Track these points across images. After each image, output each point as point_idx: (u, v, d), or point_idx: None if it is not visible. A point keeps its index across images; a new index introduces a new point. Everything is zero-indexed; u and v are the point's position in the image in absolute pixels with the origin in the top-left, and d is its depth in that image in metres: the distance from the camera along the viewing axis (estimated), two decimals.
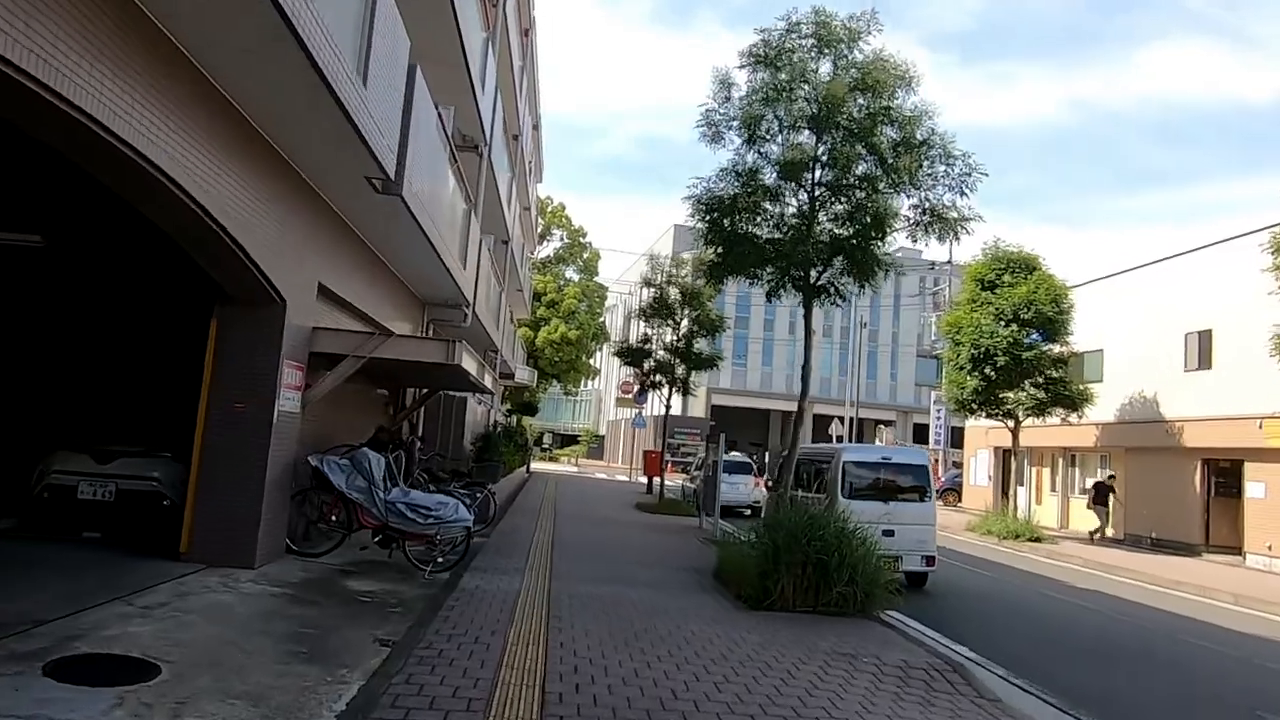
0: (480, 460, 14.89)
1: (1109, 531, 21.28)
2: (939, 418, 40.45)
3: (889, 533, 10.34)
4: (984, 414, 22.77)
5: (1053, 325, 20.62)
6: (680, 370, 20.51)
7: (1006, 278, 21.35)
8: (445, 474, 11.52)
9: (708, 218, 10.17)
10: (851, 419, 40.29)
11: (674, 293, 20.68)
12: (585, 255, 52.73)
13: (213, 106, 6.07)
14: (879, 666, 6.46)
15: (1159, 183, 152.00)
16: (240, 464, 7.54)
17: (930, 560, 11.25)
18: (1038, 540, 19.96)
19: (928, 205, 9.82)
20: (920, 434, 54.26)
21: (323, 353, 8.65)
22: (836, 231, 9.99)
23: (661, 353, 21.05)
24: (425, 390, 13.89)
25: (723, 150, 10.89)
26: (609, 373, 67.79)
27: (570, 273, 52.14)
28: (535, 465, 41.47)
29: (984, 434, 29.47)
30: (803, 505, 9.99)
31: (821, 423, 54.83)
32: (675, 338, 20.62)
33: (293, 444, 8.29)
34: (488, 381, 12.56)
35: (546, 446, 66.35)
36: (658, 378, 20.76)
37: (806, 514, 8.92)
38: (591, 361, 52.35)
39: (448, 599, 7.46)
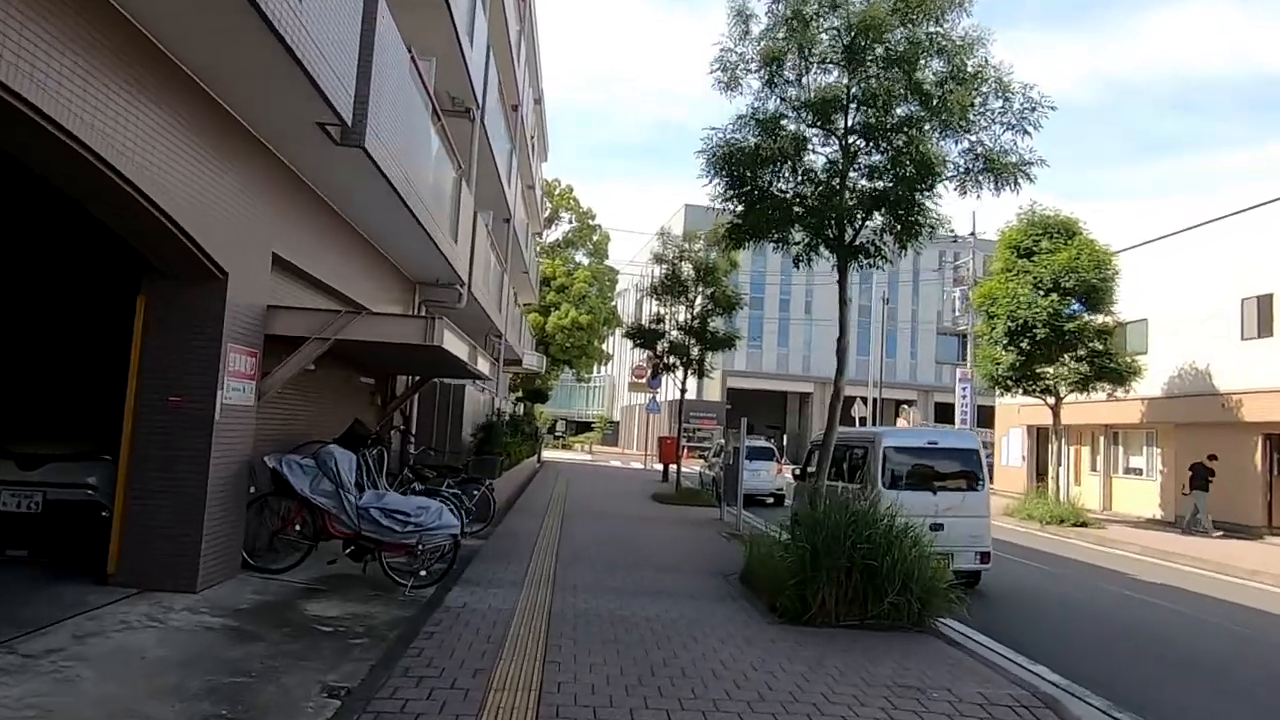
0: (481, 453, 13.70)
1: (1202, 520, 18.36)
2: (965, 396, 38.96)
3: (937, 527, 9.04)
4: (1020, 391, 21.31)
5: (1096, 293, 19.11)
6: (695, 351, 19.18)
7: (1045, 243, 19.82)
8: (433, 471, 10.29)
9: (725, 171, 8.82)
10: (875, 400, 38.79)
11: (687, 269, 19.34)
12: (595, 238, 51.49)
13: (120, 37, 4.81)
14: (954, 705, 5.19)
15: (1172, 151, 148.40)
16: (177, 468, 6.34)
17: (985, 557, 9.95)
18: (1084, 525, 18.59)
19: (981, 150, 8.42)
20: (943, 413, 52.72)
21: (281, 335, 7.43)
22: (873, 185, 8.60)
23: (675, 333, 19.73)
24: (417, 378, 12.67)
25: (740, 98, 9.50)
26: (622, 357, 66.58)
27: (580, 256, 50.94)
28: (547, 454, 40.38)
29: (1015, 412, 28.04)
30: (839, 498, 8.74)
31: (845, 404, 53.33)
32: (689, 316, 19.29)
33: (246, 442, 7.08)
34: (483, 366, 11.34)
35: (560, 434, 65.28)
36: (671, 359, 19.44)
37: (848, 510, 7.65)
38: (604, 346, 51.15)
39: (426, 623, 6.26)
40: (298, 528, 7.41)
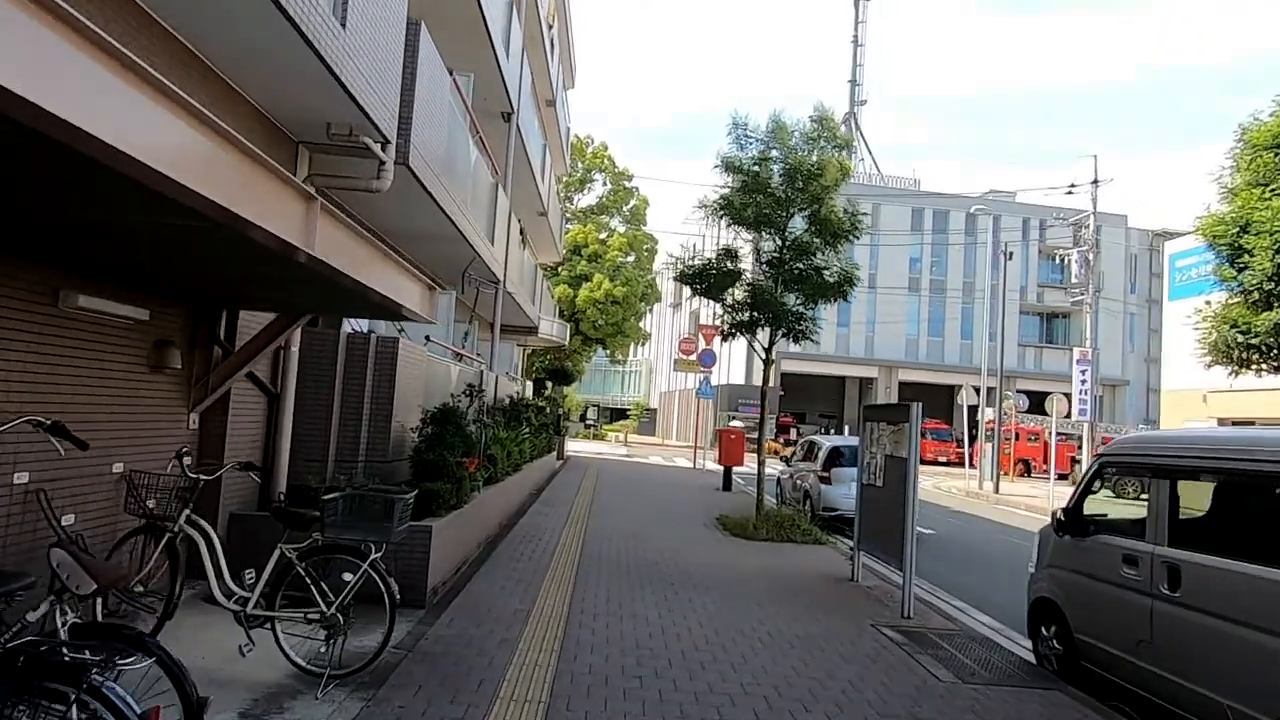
0: (421, 464, 7.16)
1: None
2: (1084, 382, 31.73)
3: None
4: (1263, 367, 14.27)
5: None
6: (792, 300, 12.26)
7: None
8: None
9: None
10: (987, 389, 31.44)
11: (774, 177, 12.51)
12: (631, 202, 45.01)
13: None
14: None
15: (1220, 132, 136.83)
16: None
17: None
18: None
19: None
20: (1035, 404, 45.22)
21: None
22: None
23: (755, 271, 12.87)
24: (275, 315, 6.19)
25: None
26: (660, 338, 60.04)
27: (615, 223, 44.60)
28: (574, 446, 33.93)
29: (1200, 401, 20.88)
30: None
31: (915, 393, 45.80)
32: (779, 246, 12.45)
33: None
34: (407, 295, 4.86)
35: (591, 422, 58.83)
36: (753, 315, 12.52)
37: None
38: (641, 324, 44.60)
39: None
40: None
